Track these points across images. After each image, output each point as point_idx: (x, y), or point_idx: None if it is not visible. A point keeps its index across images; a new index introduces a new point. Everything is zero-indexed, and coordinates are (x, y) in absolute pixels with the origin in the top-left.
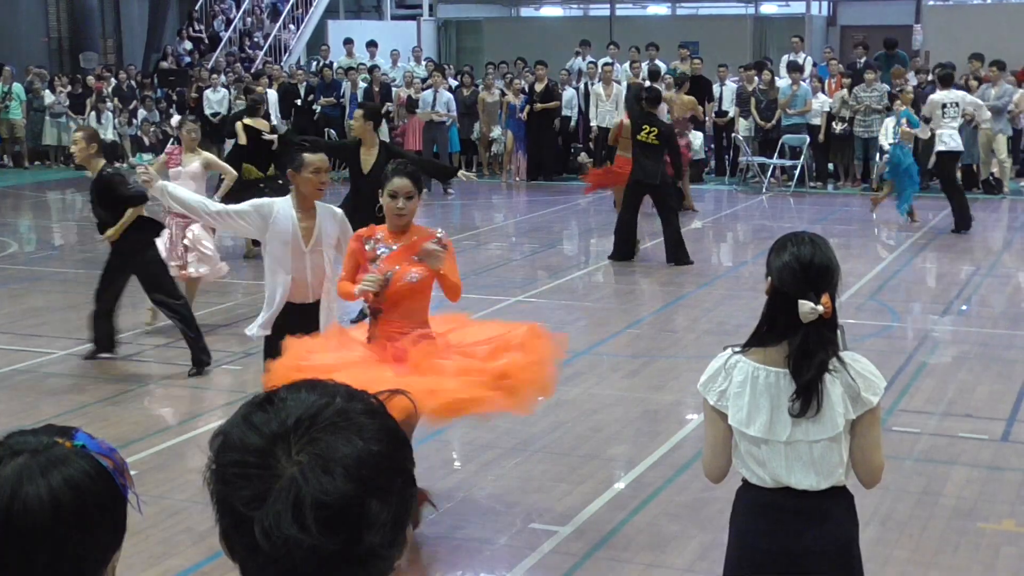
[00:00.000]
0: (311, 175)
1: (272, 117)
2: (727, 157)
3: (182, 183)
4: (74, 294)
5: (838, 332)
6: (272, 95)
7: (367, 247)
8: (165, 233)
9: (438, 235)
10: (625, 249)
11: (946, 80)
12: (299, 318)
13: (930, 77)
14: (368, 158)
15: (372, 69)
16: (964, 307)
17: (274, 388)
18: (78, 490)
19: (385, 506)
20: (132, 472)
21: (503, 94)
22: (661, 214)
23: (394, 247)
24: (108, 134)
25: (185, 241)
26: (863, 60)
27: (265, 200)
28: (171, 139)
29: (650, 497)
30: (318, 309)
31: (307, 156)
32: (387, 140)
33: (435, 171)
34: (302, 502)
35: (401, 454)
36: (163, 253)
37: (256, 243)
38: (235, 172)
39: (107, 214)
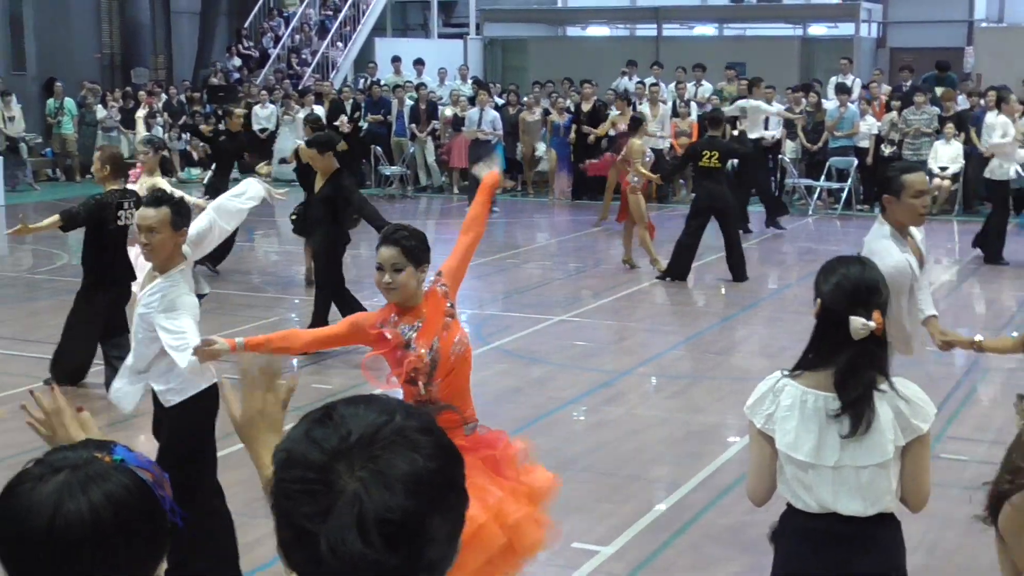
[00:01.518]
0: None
1: None
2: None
3: None
4: None
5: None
6: (320, 112)
7: (387, 333)
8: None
9: (448, 305)
10: (680, 269)
11: (999, 103)
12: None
13: (982, 101)
14: (321, 180)
15: (419, 87)
16: (1014, 333)
17: (332, 403)
18: (118, 505)
19: (443, 522)
20: None
21: (547, 113)
22: (726, 234)
23: (417, 324)
24: None
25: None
26: (909, 83)
27: None
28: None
29: (692, 519)
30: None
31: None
32: (433, 158)
33: (373, 220)
34: (365, 518)
35: (455, 470)
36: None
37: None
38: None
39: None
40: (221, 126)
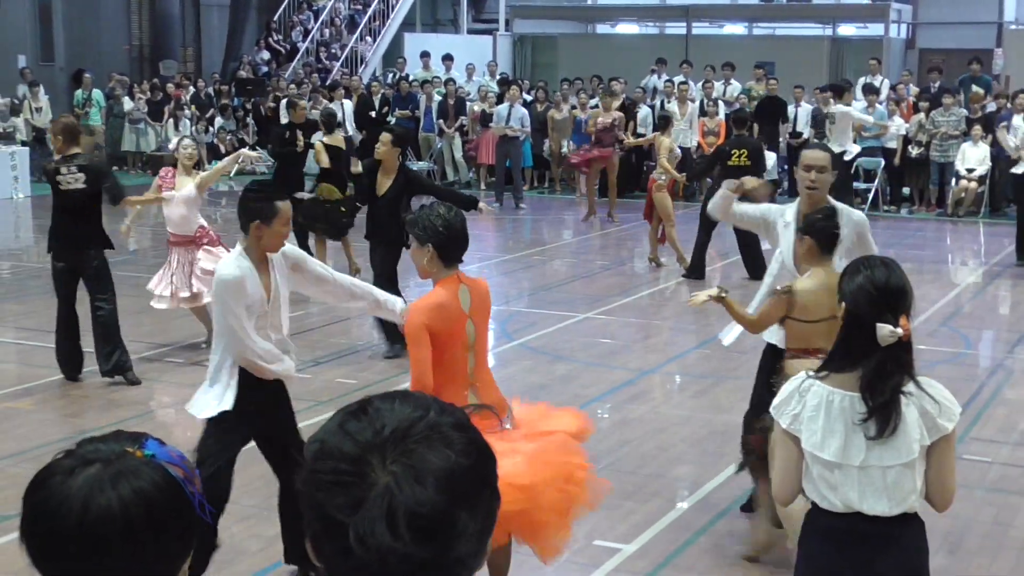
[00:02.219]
0: (283, 227)
1: (348, 128)
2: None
3: (175, 207)
4: (146, 298)
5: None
6: (348, 105)
7: None
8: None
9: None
10: (700, 269)
11: None
12: (262, 393)
13: (1009, 104)
14: (385, 181)
15: (447, 82)
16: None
17: (367, 397)
18: (148, 502)
19: (473, 518)
20: None
21: (574, 108)
22: (737, 233)
23: None
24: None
25: (198, 269)
26: (938, 84)
27: (229, 276)
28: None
29: (715, 518)
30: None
31: (280, 204)
32: (461, 154)
33: (458, 201)
34: (396, 511)
35: (487, 467)
36: (159, 282)
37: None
38: (226, 168)
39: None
40: (249, 119)
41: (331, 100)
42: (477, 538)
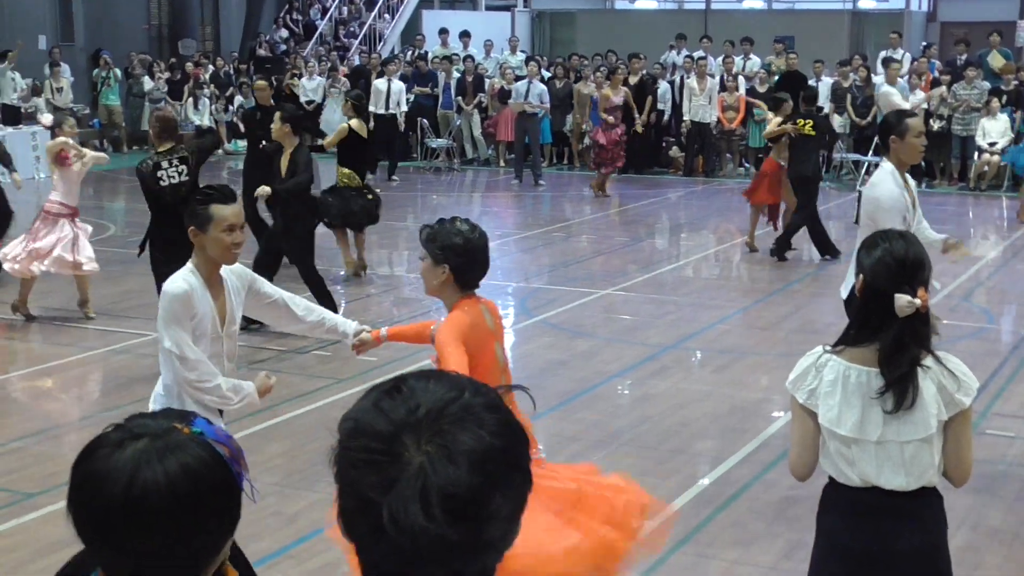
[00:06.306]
0: (224, 234)
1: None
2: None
3: None
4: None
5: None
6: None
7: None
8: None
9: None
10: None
11: None
12: None
13: None
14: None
15: (466, 59)
16: None
17: (401, 375)
18: (194, 477)
19: (506, 499)
20: None
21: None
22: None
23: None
24: (205, 120)
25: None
26: (964, 57)
27: (177, 289)
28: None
29: (736, 494)
30: None
31: (215, 208)
32: (479, 131)
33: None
34: (429, 492)
35: (520, 450)
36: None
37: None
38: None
39: None
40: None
41: (381, 77)
42: (508, 520)
